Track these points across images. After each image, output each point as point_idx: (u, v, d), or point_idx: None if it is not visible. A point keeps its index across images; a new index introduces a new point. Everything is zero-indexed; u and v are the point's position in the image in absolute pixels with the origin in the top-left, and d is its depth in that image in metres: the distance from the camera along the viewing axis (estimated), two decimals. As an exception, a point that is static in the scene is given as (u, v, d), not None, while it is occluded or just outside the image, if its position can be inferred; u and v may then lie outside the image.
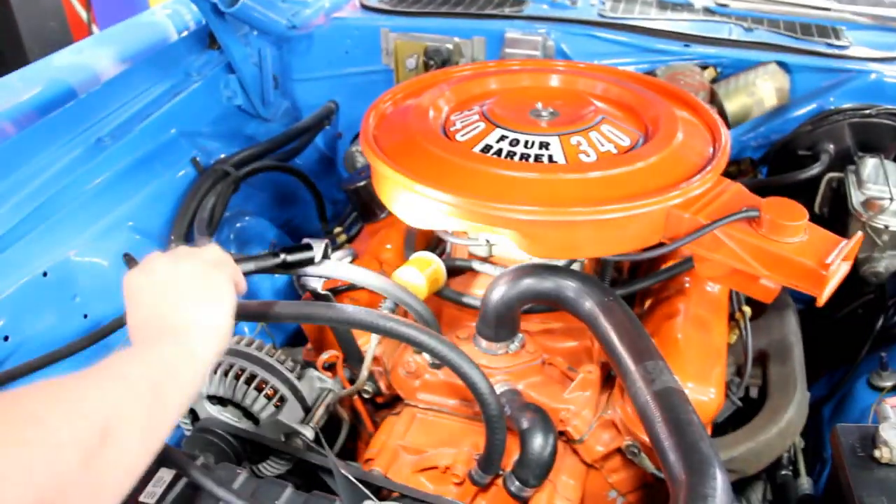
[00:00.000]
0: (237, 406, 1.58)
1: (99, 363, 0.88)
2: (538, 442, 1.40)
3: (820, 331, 2.04)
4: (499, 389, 1.53)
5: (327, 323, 1.46)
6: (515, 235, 1.46)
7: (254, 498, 1.02)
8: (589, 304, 1.44)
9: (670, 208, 1.46)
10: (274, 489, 1.04)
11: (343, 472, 1.18)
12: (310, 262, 1.33)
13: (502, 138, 1.59)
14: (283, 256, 1.30)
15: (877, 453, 1.23)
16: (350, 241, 2.04)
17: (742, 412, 1.70)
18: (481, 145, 1.58)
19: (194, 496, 1.02)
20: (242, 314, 1.45)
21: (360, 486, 1.16)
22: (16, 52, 4.70)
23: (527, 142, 1.57)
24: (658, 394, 1.23)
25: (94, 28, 5.05)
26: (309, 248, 1.33)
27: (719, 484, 1.07)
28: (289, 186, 2.49)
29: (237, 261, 1.26)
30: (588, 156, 1.55)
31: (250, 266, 1.27)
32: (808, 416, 1.70)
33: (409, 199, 1.52)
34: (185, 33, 2.45)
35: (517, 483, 1.43)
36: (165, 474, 1.08)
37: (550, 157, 1.54)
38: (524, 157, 1.55)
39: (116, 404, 0.82)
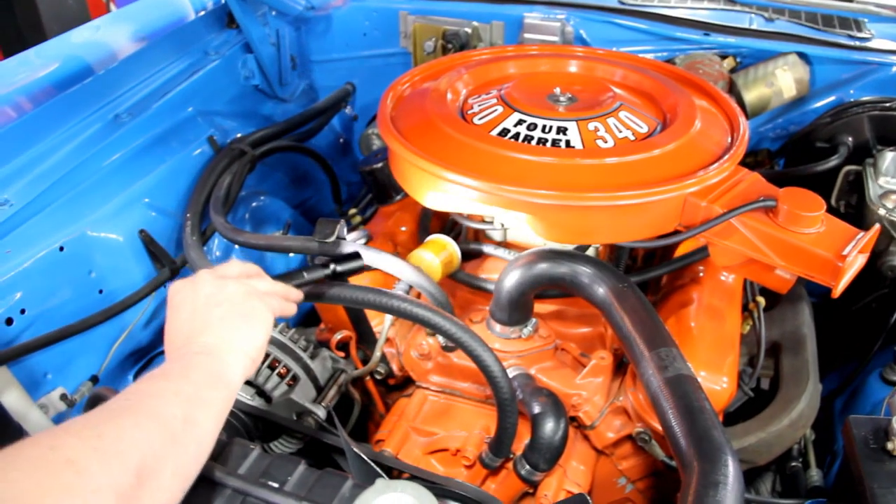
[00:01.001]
0: (250, 384, 1.59)
1: (132, 397, 0.90)
2: (549, 426, 1.41)
3: (834, 324, 2.03)
4: (511, 373, 1.54)
5: (341, 303, 1.46)
6: (531, 219, 1.46)
7: (267, 475, 1.03)
8: (603, 291, 1.44)
9: (687, 196, 1.45)
10: (286, 466, 1.04)
11: (355, 450, 1.18)
12: (360, 270, 1.37)
13: (520, 122, 1.58)
14: (332, 267, 1.35)
15: (889, 445, 1.23)
16: (365, 222, 2.04)
17: (754, 402, 1.70)
18: (499, 129, 1.58)
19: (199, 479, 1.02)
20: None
21: (373, 464, 1.17)
22: (35, 30, 4.72)
23: (544, 126, 1.57)
24: (670, 380, 1.23)
25: (112, 6, 5.05)
26: (358, 256, 1.38)
27: (731, 471, 1.07)
28: (304, 167, 2.49)
29: (290, 277, 1.30)
30: (605, 142, 1.55)
31: (301, 279, 1.30)
32: (819, 408, 1.69)
33: (425, 181, 1.52)
34: (202, 12, 2.45)
35: (527, 467, 1.43)
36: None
37: (568, 143, 1.54)
38: (541, 141, 1.54)
39: (151, 444, 0.85)
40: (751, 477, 1.83)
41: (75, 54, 2.15)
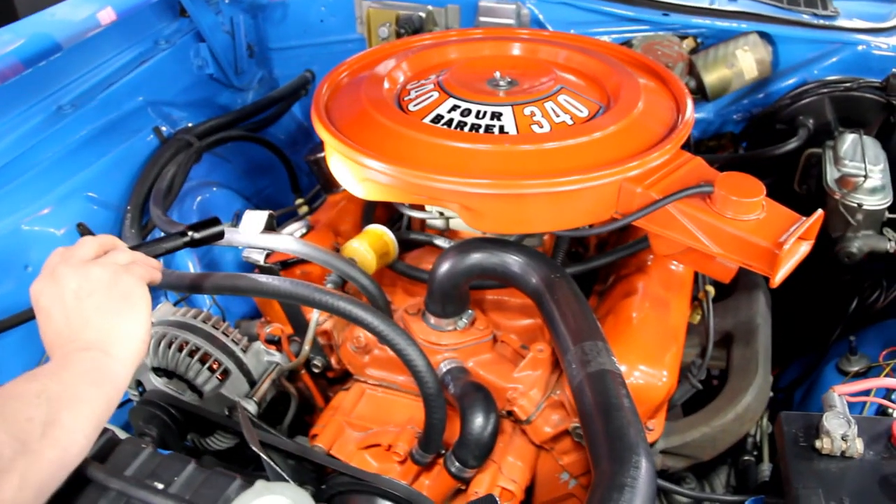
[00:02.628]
0: (182, 378, 1.56)
1: (8, 384, 0.87)
2: (478, 422, 1.36)
3: (795, 313, 1.98)
4: (446, 367, 1.50)
5: (264, 296, 1.42)
6: (461, 209, 1.41)
7: (154, 475, 0.99)
8: (535, 281, 1.40)
9: (622, 181, 1.40)
10: (176, 465, 1.00)
11: (255, 447, 1.15)
12: (219, 236, 1.31)
13: (454, 108, 1.54)
14: (190, 234, 1.28)
15: (818, 443, 1.17)
16: (311, 212, 1.99)
17: (703, 395, 1.65)
18: (432, 115, 1.53)
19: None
20: (176, 285, 1.43)
21: (272, 462, 1.12)
22: (6, 11, 4.66)
23: (478, 112, 1.52)
24: (592, 375, 1.19)
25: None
26: (217, 222, 1.31)
27: (642, 473, 1.02)
28: (261, 157, 2.44)
29: (145, 246, 1.23)
30: (541, 126, 1.49)
31: (160, 250, 1.23)
32: (780, 399, 1.64)
33: (355, 171, 1.48)
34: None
35: (457, 464, 1.39)
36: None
37: (502, 128, 1.49)
38: (475, 127, 1.49)
39: (20, 425, 0.83)
40: (705, 471, 1.78)
41: (24, 42, 2.10)
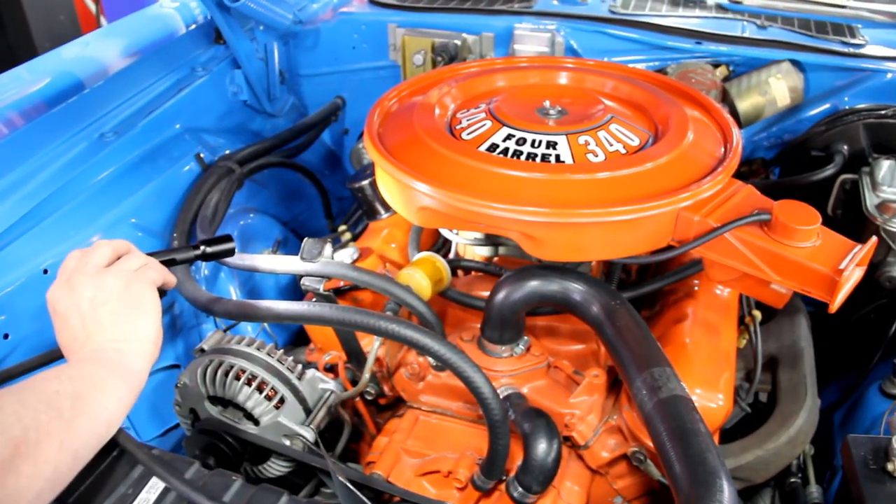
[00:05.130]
0: (237, 407, 1.56)
1: (17, 385, 0.92)
2: (542, 447, 1.37)
3: (832, 336, 2.00)
4: (503, 393, 1.51)
5: (328, 324, 1.43)
6: (521, 237, 1.43)
7: (203, 490, 1.00)
8: (595, 308, 1.42)
9: (680, 210, 1.42)
10: (269, 497, 1.01)
11: (340, 478, 1.16)
12: (229, 252, 1.38)
13: (509, 137, 1.56)
14: (202, 248, 1.36)
15: (889, 466, 1.20)
16: (355, 238, 2.01)
17: (751, 418, 1.67)
18: (487, 144, 1.55)
19: (188, 504, 0.99)
20: (241, 314, 1.44)
21: (358, 492, 1.14)
22: (25, 45, 4.71)
23: (534, 141, 1.54)
24: (664, 402, 1.21)
25: (103, 21, 5.04)
26: (229, 239, 1.38)
27: (726, 497, 1.04)
28: (295, 183, 2.47)
29: (156, 254, 1.29)
30: (596, 156, 1.52)
31: (172, 259, 1.30)
32: (820, 422, 1.66)
33: (412, 199, 1.50)
34: (193, 26, 2.43)
35: (520, 489, 1.40)
36: (159, 481, 1.06)
37: (558, 157, 1.51)
38: (531, 156, 1.52)
39: (34, 418, 0.86)
40: (749, 494, 1.79)
41: (65, 70, 2.13)
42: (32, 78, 2.10)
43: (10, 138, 1.83)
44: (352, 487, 1.13)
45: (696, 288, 1.69)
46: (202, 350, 1.61)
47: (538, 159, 1.51)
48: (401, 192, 1.51)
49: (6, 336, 1.63)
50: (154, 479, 1.06)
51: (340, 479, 1.15)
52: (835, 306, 1.34)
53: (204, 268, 2.03)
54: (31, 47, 4.67)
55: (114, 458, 1.14)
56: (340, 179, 2.67)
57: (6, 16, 4.69)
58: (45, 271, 1.70)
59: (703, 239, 1.41)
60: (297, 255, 1.57)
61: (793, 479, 1.73)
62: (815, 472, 1.75)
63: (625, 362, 1.32)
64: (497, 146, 1.54)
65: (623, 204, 1.39)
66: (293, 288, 2.20)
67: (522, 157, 1.51)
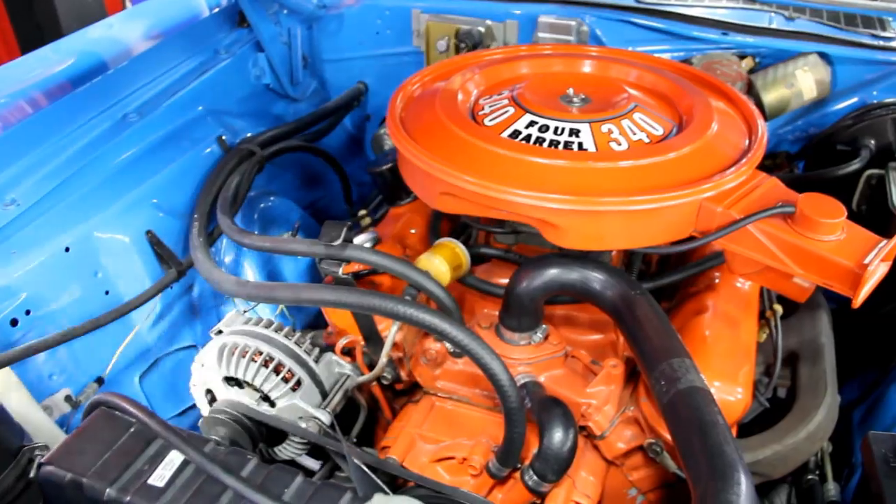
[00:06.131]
0: (254, 388, 1.56)
1: None
2: (558, 436, 1.37)
3: (853, 331, 1.98)
4: (520, 381, 1.51)
5: (348, 308, 1.43)
6: (542, 224, 1.42)
7: (263, 486, 1.00)
8: (615, 298, 1.41)
9: (703, 201, 1.41)
10: (284, 477, 1.01)
11: (356, 461, 1.15)
12: None
13: (531, 124, 1.55)
14: None
15: (910, 463, 1.18)
16: (374, 224, 2.01)
17: (769, 413, 1.65)
18: (510, 130, 1.54)
19: (204, 481, 0.99)
20: (260, 296, 1.45)
21: (374, 476, 1.14)
22: (52, 26, 4.74)
23: (556, 128, 1.53)
24: (682, 393, 1.20)
25: (129, 3, 5.06)
26: None
27: (743, 490, 1.03)
28: (315, 167, 2.47)
29: None
30: (619, 144, 1.51)
31: None
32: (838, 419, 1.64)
33: (434, 184, 1.49)
34: (217, 9, 2.43)
35: (535, 477, 1.40)
36: (175, 457, 1.06)
37: (580, 145, 1.50)
38: (553, 143, 1.51)
39: None
40: (765, 490, 1.78)
41: (89, 51, 2.15)
42: (58, 58, 2.11)
43: (35, 117, 1.85)
44: (367, 471, 1.13)
45: (716, 281, 1.67)
46: (220, 331, 1.61)
47: (561, 147, 1.50)
48: (423, 177, 1.51)
49: (27, 312, 1.64)
50: (170, 456, 1.07)
51: (356, 462, 1.15)
52: (858, 301, 1.32)
53: (224, 250, 2.04)
54: (58, 28, 4.70)
55: (130, 435, 1.15)
56: (361, 165, 2.65)
57: (35, -3, 4.74)
58: (67, 249, 1.72)
59: (726, 230, 1.39)
60: (316, 238, 1.57)
61: (810, 476, 1.72)
62: (833, 469, 1.73)
63: (643, 352, 1.31)
64: (519, 133, 1.53)
65: (645, 193, 1.37)
66: (311, 271, 2.20)
67: (545, 145, 1.50)
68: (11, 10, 4.86)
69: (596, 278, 1.42)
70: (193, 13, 2.43)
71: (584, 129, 1.53)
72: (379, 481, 1.13)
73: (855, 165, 1.99)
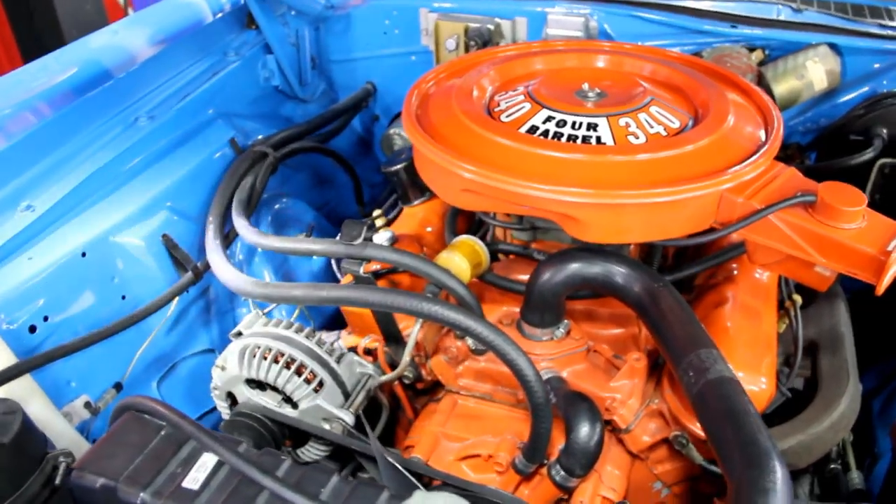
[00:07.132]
0: (276, 390, 1.56)
1: None
2: (585, 431, 1.37)
3: (871, 320, 1.98)
4: (543, 377, 1.50)
5: (370, 307, 1.43)
6: (563, 219, 1.42)
7: (299, 486, 1.00)
8: (638, 291, 1.41)
9: (723, 192, 1.41)
10: (320, 477, 1.01)
11: (390, 459, 1.15)
12: None
13: (549, 119, 1.55)
14: None
15: (941, 450, 1.18)
16: (389, 223, 2.00)
17: (791, 403, 1.65)
18: (527, 126, 1.54)
19: (238, 482, 0.99)
20: (280, 297, 1.44)
21: (408, 474, 1.14)
22: (53, 34, 4.74)
23: (574, 122, 1.53)
24: (712, 383, 1.20)
25: (130, 10, 5.06)
26: None
27: (779, 477, 1.03)
28: (326, 169, 2.47)
29: None
30: (637, 137, 1.50)
31: None
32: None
33: (452, 181, 1.49)
34: (220, 14, 2.43)
35: (562, 473, 1.40)
36: (208, 460, 1.06)
37: (598, 139, 1.50)
38: (571, 138, 1.50)
39: None
40: (788, 479, 1.78)
41: (94, 58, 2.14)
42: (61, 67, 2.10)
43: (48, 123, 1.84)
44: (399, 466, 1.13)
45: (735, 272, 1.67)
46: (240, 333, 1.61)
47: (579, 141, 1.50)
48: (443, 174, 1.50)
49: (45, 318, 1.64)
50: (203, 458, 1.06)
51: (388, 458, 1.14)
52: (882, 288, 1.32)
53: (239, 252, 2.04)
54: (59, 36, 4.69)
55: (161, 438, 1.15)
56: (371, 166, 2.66)
57: (34, 4, 4.72)
58: (84, 254, 1.71)
59: (748, 221, 1.39)
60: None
61: (832, 466, 1.71)
62: (855, 457, 1.73)
63: (670, 344, 1.31)
64: (537, 128, 1.53)
65: (665, 185, 1.37)
66: (326, 273, 2.20)
67: (563, 140, 1.50)
68: (12, 17, 4.85)
69: (618, 272, 1.42)
70: (197, 18, 2.43)
71: (602, 123, 1.53)
72: (410, 477, 1.13)
73: (868, 155, 1.99)
